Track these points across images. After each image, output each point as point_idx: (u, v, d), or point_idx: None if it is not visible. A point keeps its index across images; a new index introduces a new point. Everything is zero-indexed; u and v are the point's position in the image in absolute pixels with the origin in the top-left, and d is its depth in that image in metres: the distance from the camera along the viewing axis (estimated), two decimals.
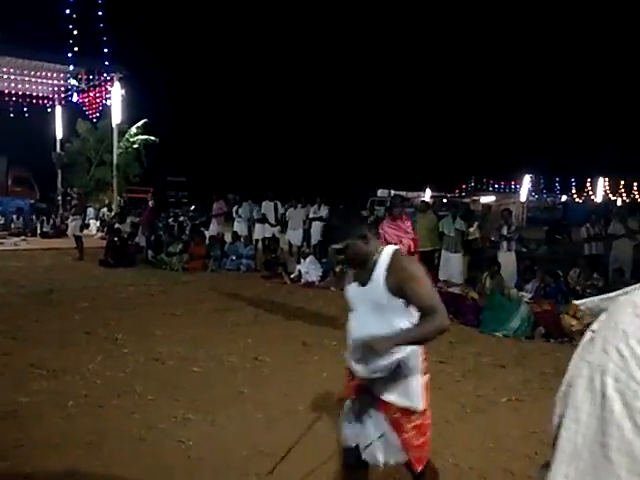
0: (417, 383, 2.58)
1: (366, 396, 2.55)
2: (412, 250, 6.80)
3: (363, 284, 2.54)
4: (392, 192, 28.62)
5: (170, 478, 3.42)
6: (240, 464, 3.62)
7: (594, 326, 1.03)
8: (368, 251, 2.55)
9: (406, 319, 2.47)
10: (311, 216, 14.29)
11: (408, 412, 2.53)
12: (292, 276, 11.27)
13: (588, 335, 1.06)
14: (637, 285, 0.96)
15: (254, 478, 3.43)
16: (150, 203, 15.45)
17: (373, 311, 2.50)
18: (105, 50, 20.87)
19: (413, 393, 2.55)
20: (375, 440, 2.52)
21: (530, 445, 3.98)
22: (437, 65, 54.19)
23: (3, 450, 3.68)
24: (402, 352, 2.45)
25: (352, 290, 2.64)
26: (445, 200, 28.94)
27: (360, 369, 2.47)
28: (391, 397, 2.51)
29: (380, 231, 6.94)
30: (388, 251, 2.56)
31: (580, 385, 0.97)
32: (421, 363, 2.65)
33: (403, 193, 29.87)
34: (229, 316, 7.94)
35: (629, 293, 0.97)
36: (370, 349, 2.33)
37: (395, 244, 6.29)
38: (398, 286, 2.43)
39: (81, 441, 3.86)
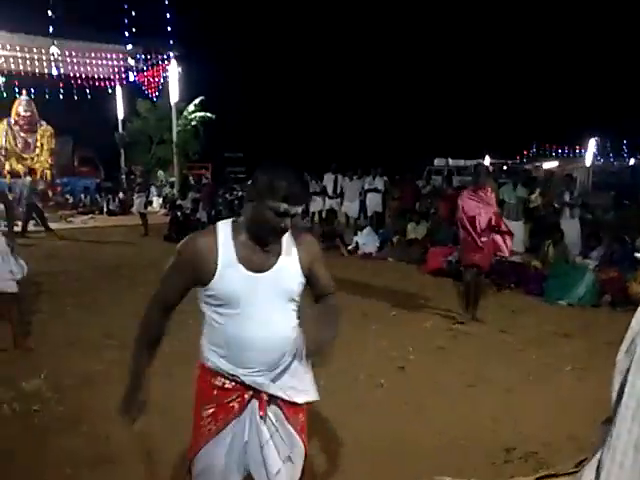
0: (310, 373, 2.10)
1: (257, 414, 1.97)
2: (493, 224, 6.31)
3: (260, 270, 1.91)
4: (450, 160, 28.03)
5: None
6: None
7: None
8: None
9: (295, 305, 2.04)
10: (366, 187, 14.23)
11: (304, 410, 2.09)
12: (349, 248, 11.32)
13: None
14: None
15: (315, 442, 3.54)
16: (205, 179, 15.77)
17: (278, 302, 1.95)
18: (162, 29, 21.21)
19: (312, 384, 2.11)
20: (282, 466, 1.98)
21: (595, 413, 3.90)
22: (494, 27, 52.12)
23: (82, 414, 3.94)
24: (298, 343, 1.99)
25: (239, 280, 1.89)
26: (505, 167, 28.11)
27: (265, 380, 1.96)
28: (301, 397, 2.03)
29: (459, 202, 6.44)
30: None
31: None
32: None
33: (461, 161, 29.19)
34: None
35: None
36: (323, 360, 1.94)
37: (474, 217, 6.22)
38: (309, 267, 2.03)
39: (153, 407, 4.05)
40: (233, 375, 1.98)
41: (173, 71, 21.15)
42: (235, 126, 31.13)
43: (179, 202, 15.48)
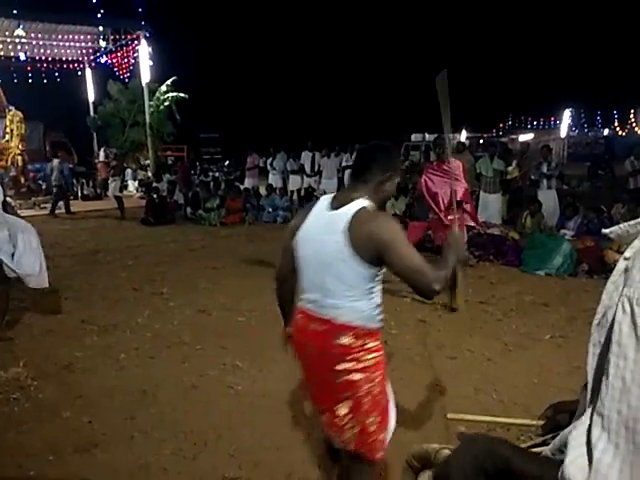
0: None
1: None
2: (459, 199, 5.82)
3: None
4: (427, 135, 28.04)
5: (223, 421, 3.56)
6: (289, 406, 3.75)
7: (627, 253, 1.00)
8: None
9: None
10: (344, 164, 14.19)
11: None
12: None
13: (622, 263, 1.02)
14: None
15: (303, 419, 3.55)
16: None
17: None
18: (132, 9, 20.72)
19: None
20: None
21: (575, 380, 3.98)
22: (470, 3, 51.96)
23: (64, 400, 3.89)
24: None
25: None
26: (482, 141, 28.24)
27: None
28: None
29: (423, 178, 6.19)
30: None
31: (624, 321, 0.95)
32: None
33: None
34: (269, 267, 8.04)
35: None
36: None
37: (436, 193, 5.95)
38: None
39: (135, 390, 4.04)
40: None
41: (143, 51, 20.71)
42: (210, 106, 30.76)
43: (155, 185, 15.25)
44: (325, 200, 2.28)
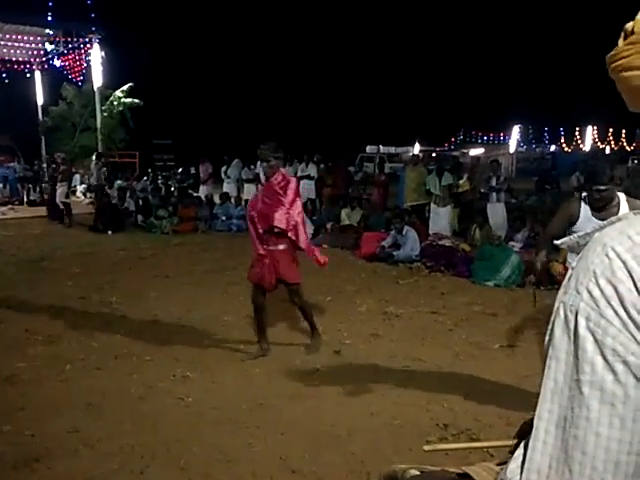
0: None
1: None
2: (275, 225, 4.48)
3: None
4: (381, 148, 28.45)
5: (172, 434, 3.48)
6: (240, 418, 3.69)
7: (574, 263, 1.05)
8: (614, 195, 3.25)
9: None
10: (299, 174, 14.20)
11: None
12: None
13: (569, 273, 1.08)
14: (609, 221, 0.96)
15: (254, 432, 3.50)
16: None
17: None
18: (84, 12, 20.28)
19: None
20: None
21: (524, 388, 4.08)
22: (422, 18, 53.14)
23: (5, 413, 3.73)
24: None
25: (589, 226, 3.11)
26: (434, 154, 28.82)
27: None
28: None
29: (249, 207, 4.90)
30: (623, 197, 3.26)
31: (558, 325, 1.00)
32: None
33: (392, 148, 29.70)
34: (222, 276, 7.96)
35: (602, 231, 0.99)
36: None
37: (252, 216, 4.66)
38: None
39: (81, 403, 3.91)
40: None
41: (96, 55, 20.29)
42: (164, 112, 30.33)
43: (106, 191, 14.92)
44: None
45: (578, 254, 1.07)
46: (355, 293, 7.09)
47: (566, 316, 0.97)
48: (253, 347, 4.97)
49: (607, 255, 0.92)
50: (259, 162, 14.99)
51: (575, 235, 1.11)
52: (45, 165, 21.72)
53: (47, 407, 3.83)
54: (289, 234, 4.57)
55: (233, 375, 4.40)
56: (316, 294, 6.93)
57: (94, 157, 15.83)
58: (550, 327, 1.11)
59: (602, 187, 3.32)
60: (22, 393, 4.07)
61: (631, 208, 3.09)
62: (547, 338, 1.22)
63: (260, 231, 4.61)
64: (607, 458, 0.84)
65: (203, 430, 3.53)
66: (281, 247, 4.60)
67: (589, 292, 0.94)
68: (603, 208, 3.36)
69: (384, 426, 3.56)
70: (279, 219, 4.49)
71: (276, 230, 4.54)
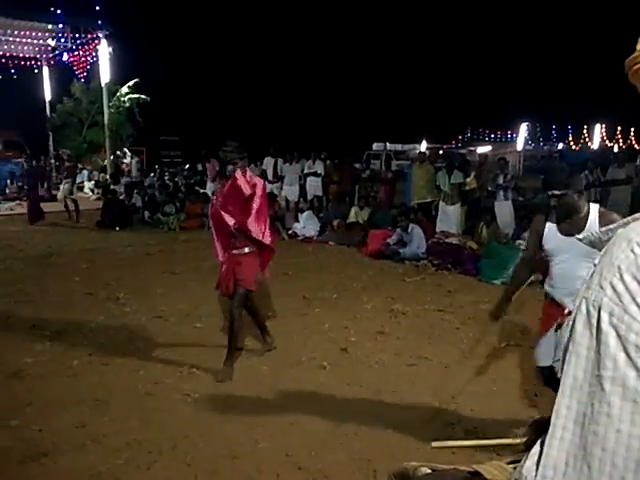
0: None
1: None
2: (233, 226, 4.36)
3: (569, 235, 2.91)
4: (388, 145, 28.36)
5: (179, 430, 3.49)
6: (247, 414, 3.70)
7: (596, 260, 1.03)
8: (579, 205, 3.03)
9: None
10: (306, 171, 14.19)
11: None
12: (290, 232, 11.28)
13: (592, 269, 1.06)
14: (633, 217, 0.95)
15: (261, 429, 3.51)
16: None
17: (584, 258, 2.80)
18: (92, 8, 20.30)
19: None
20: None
21: (531, 387, 4.07)
22: (429, 15, 52.93)
23: (12, 409, 3.75)
24: None
25: (554, 240, 3.16)
26: (441, 151, 28.71)
27: (569, 301, 3.00)
28: None
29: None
30: (595, 208, 3.06)
31: (579, 320, 0.99)
32: None
33: (399, 146, 29.60)
34: None
35: (627, 226, 0.97)
36: None
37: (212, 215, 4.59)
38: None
39: (88, 398, 3.92)
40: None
41: (103, 51, 20.33)
42: (172, 109, 30.35)
43: (112, 187, 14.94)
44: None
45: (600, 250, 1.06)
46: (361, 290, 7.08)
47: (588, 311, 0.96)
48: (259, 344, 4.98)
49: (632, 250, 0.90)
50: (266, 159, 15.06)
51: (596, 231, 1.10)
52: (52, 161, 21.80)
53: (54, 402, 3.85)
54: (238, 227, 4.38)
55: (239, 372, 4.40)
56: (322, 291, 6.94)
57: (127, 152, 15.48)
58: (570, 323, 1.10)
59: (557, 192, 3.03)
60: (29, 388, 4.09)
61: (604, 221, 2.81)
62: (566, 334, 1.20)
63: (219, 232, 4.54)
64: (628, 456, 0.83)
65: (209, 426, 3.54)
66: (247, 250, 4.49)
67: (613, 287, 0.93)
68: (567, 218, 3.10)
69: (390, 424, 3.55)
70: (230, 219, 4.38)
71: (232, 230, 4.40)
